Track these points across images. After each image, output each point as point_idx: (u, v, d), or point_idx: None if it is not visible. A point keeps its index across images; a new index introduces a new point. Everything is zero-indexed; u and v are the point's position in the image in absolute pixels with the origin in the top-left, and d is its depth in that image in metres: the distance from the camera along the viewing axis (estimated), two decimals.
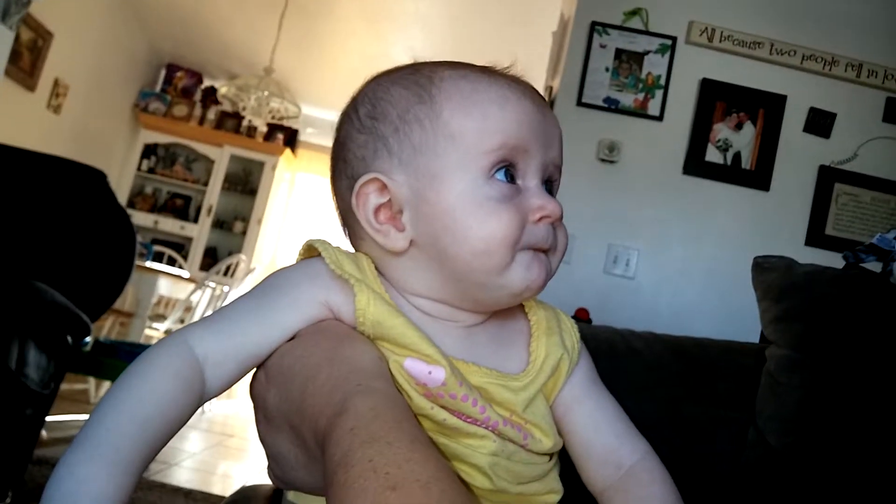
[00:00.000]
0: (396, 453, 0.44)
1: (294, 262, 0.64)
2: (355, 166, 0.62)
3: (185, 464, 3.05)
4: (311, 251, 0.63)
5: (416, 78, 0.61)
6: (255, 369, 0.61)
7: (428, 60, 0.64)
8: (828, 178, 2.67)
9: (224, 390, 0.57)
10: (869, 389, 0.83)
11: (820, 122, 2.70)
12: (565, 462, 0.67)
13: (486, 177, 0.58)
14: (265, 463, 0.64)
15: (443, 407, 0.56)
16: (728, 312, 2.48)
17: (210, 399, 0.57)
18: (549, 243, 0.61)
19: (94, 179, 2.33)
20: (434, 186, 0.58)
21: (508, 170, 0.59)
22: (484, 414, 0.57)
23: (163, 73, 6.40)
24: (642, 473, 0.64)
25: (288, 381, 0.55)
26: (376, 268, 0.62)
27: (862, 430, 0.81)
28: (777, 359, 0.98)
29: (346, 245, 0.66)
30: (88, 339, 2.84)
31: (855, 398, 0.84)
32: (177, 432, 0.53)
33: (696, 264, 2.66)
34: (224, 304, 0.64)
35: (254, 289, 0.61)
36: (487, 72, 0.62)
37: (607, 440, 0.65)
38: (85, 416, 3.21)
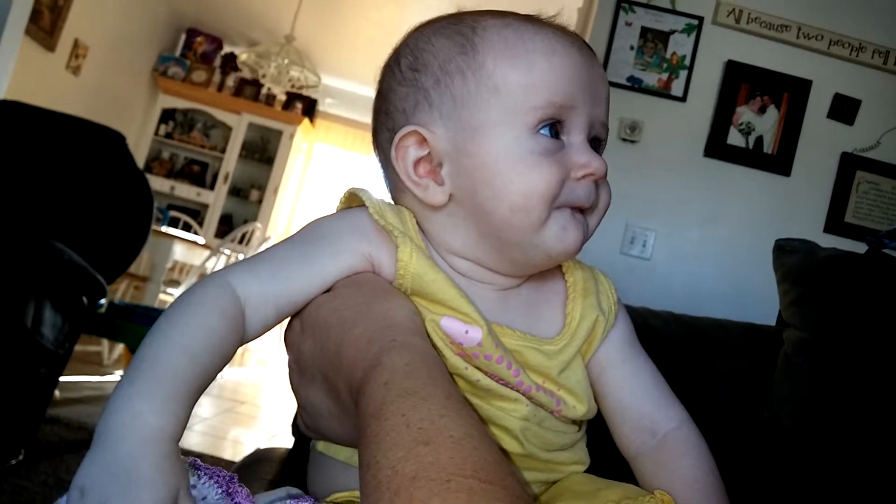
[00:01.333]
0: (430, 408, 0.44)
1: (335, 210, 0.64)
2: (396, 119, 0.61)
3: (196, 428, 3.09)
4: (353, 200, 0.63)
5: (459, 27, 0.60)
6: (290, 318, 0.61)
7: (471, 9, 0.63)
8: (850, 165, 2.64)
9: (261, 334, 0.57)
10: (885, 375, 0.83)
11: (844, 109, 2.66)
12: (595, 429, 0.67)
13: (531, 132, 0.56)
14: (275, 430, 0.64)
15: (477, 368, 0.56)
16: (742, 296, 2.47)
17: (249, 340, 0.57)
18: (590, 202, 0.59)
19: (113, 141, 2.34)
20: (475, 140, 0.57)
21: (554, 126, 0.57)
22: (518, 377, 0.57)
23: (183, 37, 6.39)
24: (677, 443, 0.62)
25: (323, 332, 0.55)
26: (417, 223, 0.62)
27: (876, 414, 0.81)
28: (794, 341, 0.98)
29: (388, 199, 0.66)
30: (103, 301, 2.86)
31: (871, 383, 0.83)
32: (222, 368, 0.53)
33: (713, 247, 2.64)
34: None
35: (295, 235, 0.61)
36: (533, 21, 0.60)
37: (642, 405, 0.64)
38: (98, 378, 3.25)
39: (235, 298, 0.54)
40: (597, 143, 0.61)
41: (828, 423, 0.85)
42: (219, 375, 2.72)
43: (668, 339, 1.08)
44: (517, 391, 0.57)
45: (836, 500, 0.81)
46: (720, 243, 2.64)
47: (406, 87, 0.61)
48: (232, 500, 0.51)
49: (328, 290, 0.59)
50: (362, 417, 0.45)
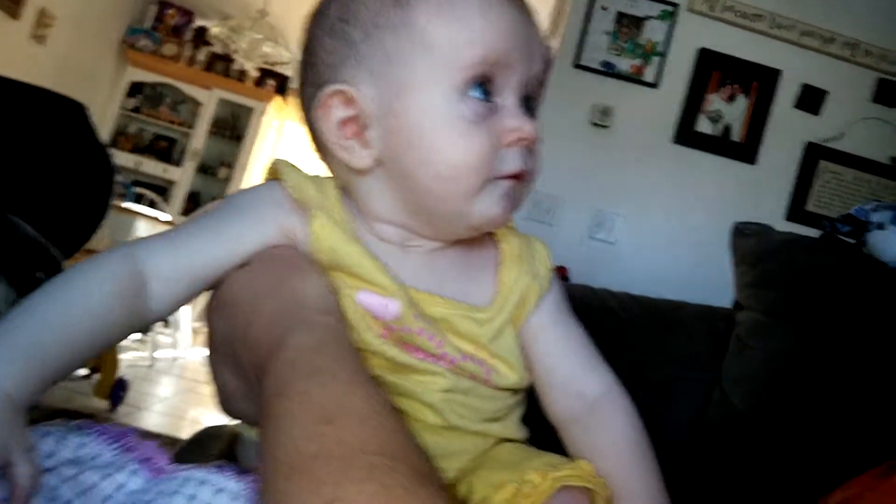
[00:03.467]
0: (336, 387, 0.42)
1: (259, 182, 0.61)
2: (322, 73, 0.57)
3: (155, 408, 3.06)
4: (277, 173, 0.60)
5: None
6: (211, 294, 0.59)
7: None
8: (814, 154, 2.68)
9: (173, 310, 0.55)
10: (836, 356, 0.84)
11: (811, 99, 2.69)
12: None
13: (461, 93, 0.53)
14: None
15: (399, 341, 0.54)
16: (705, 281, 2.48)
17: (155, 318, 0.54)
18: (522, 169, 0.56)
19: (72, 111, 2.27)
20: (402, 99, 0.54)
21: (485, 85, 0.54)
22: (441, 349, 0.55)
23: (153, 9, 6.24)
24: (605, 407, 0.61)
25: (234, 309, 0.53)
26: (342, 192, 0.59)
27: (825, 393, 0.81)
28: (747, 323, 0.98)
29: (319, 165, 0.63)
30: None
31: (821, 364, 0.84)
32: (106, 345, 0.51)
33: (678, 233, 2.66)
34: None
35: (210, 210, 0.59)
36: None
37: (571, 369, 0.62)
38: None
39: (136, 271, 0.52)
40: (531, 102, 0.59)
41: (776, 402, 0.86)
42: (180, 355, 2.69)
43: (625, 320, 1.09)
44: (442, 362, 0.55)
45: (783, 478, 0.81)
46: (686, 229, 2.66)
47: (333, 39, 0.57)
48: (133, 453, 0.50)
49: (243, 266, 0.56)
50: (266, 397, 0.44)
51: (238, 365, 0.53)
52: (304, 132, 0.63)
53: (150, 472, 0.50)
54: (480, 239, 0.64)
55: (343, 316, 0.53)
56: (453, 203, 0.55)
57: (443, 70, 0.53)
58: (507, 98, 0.56)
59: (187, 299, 0.55)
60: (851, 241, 1.00)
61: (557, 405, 0.63)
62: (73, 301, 0.49)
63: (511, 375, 0.59)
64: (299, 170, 0.59)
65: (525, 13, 0.57)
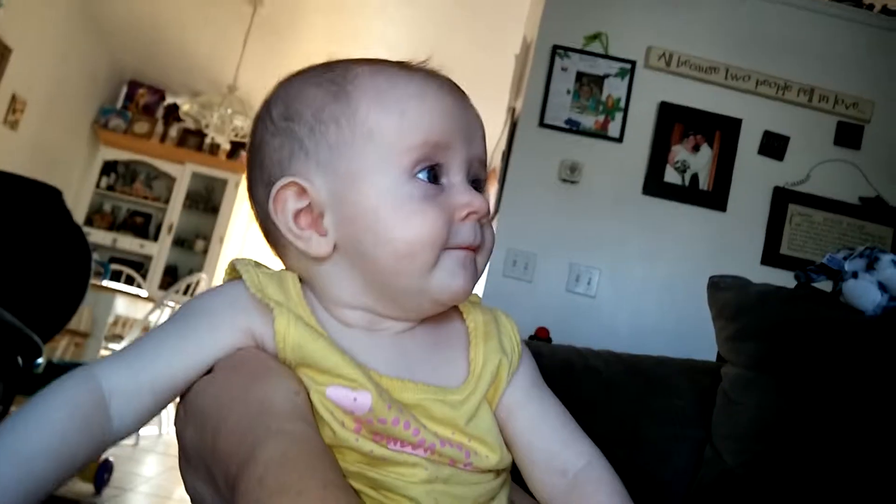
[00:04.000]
0: (307, 503, 0.42)
1: (220, 283, 0.61)
2: (272, 171, 0.59)
3: (141, 489, 2.98)
4: (235, 272, 0.60)
5: (330, 76, 0.59)
6: (178, 403, 0.58)
7: (341, 59, 0.62)
8: (782, 198, 2.74)
9: (139, 426, 0.54)
10: (821, 407, 0.85)
11: (774, 145, 2.77)
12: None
13: (408, 176, 0.56)
14: None
15: (374, 433, 0.53)
16: (686, 330, 2.51)
17: (120, 437, 0.53)
18: (477, 242, 0.58)
19: (48, 197, 2.28)
20: (354, 186, 0.56)
21: (432, 169, 0.57)
22: (418, 436, 0.54)
23: (124, 89, 6.31)
24: (588, 482, 0.60)
25: (202, 420, 0.52)
26: (302, 282, 0.59)
27: (816, 447, 0.82)
28: (731, 377, 0.99)
29: (274, 260, 0.64)
30: (40, 360, 2.76)
31: (808, 417, 0.85)
32: (72, 470, 0.49)
33: (656, 283, 2.69)
34: None
35: (172, 316, 0.58)
36: (404, 66, 0.60)
37: (550, 445, 0.62)
38: None
39: (96, 391, 0.51)
40: (477, 184, 0.61)
41: (767, 458, 0.86)
42: (164, 431, 2.62)
43: (609, 380, 1.09)
44: (421, 449, 0.55)
45: None
46: (662, 279, 2.69)
47: (280, 137, 0.59)
48: None
49: (210, 372, 0.56)
50: None
51: (210, 476, 0.52)
52: (258, 232, 0.64)
53: None
54: (447, 317, 0.64)
55: (314, 415, 0.52)
56: (413, 279, 0.56)
57: (387, 156, 0.56)
58: (454, 177, 0.58)
59: (153, 413, 0.54)
60: (828, 289, 1.02)
61: (541, 483, 0.62)
62: (33, 431, 0.47)
63: (492, 456, 0.58)
64: (259, 267, 0.59)
65: (461, 97, 0.60)
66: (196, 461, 0.54)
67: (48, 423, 0.48)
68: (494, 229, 0.64)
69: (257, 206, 0.63)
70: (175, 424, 0.58)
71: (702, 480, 0.96)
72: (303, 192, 0.57)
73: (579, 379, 1.08)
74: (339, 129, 0.57)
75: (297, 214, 0.57)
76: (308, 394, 0.53)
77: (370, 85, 0.58)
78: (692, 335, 2.07)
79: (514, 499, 0.63)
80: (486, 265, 0.61)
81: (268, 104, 0.62)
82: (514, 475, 0.65)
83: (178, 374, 0.54)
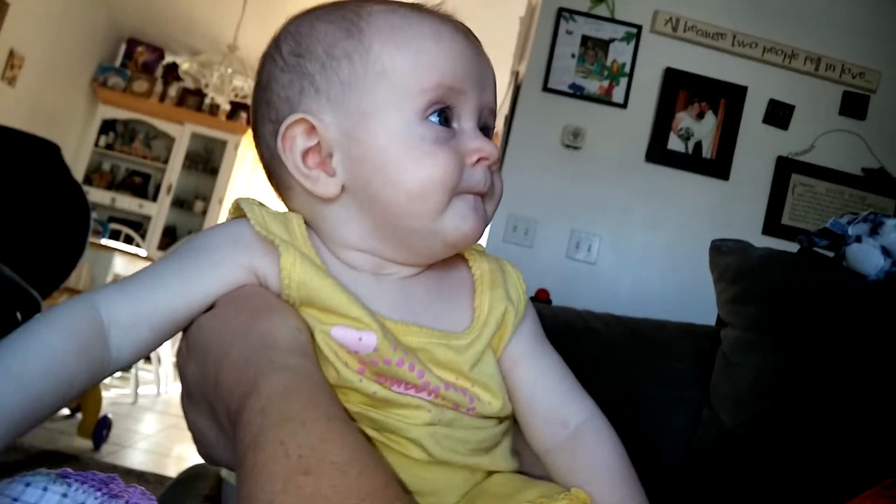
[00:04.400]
0: (310, 434, 0.41)
1: (223, 221, 0.61)
2: (280, 108, 0.58)
3: (139, 445, 3.01)
4: (238, 212, 0.59)
5: (343, 13, 0.58)
6: (180, 339, 0.58)
7: None
8: (785, 168, 2.73)
9: (137, 357, 0.54)
10: (821, 370, 0.85)
11: (779, 114, 2.75)
12: None
13: (421, 117, 0.55)
14: None
15: (378, 374, 0.53)
16: (686, 298, 2.52)
17: (118, 366, 0.53)
18: (487, 186, 0.58)
19: (47, 152, 2.26)
20: (365, 125, 0.55)
21: (443, 112, 0.56)
22: (423, 378, 0.54)
23: (123, 47, 6.24)
24: (588, 434, 0.61)
25: (204, 355, 0.52)
26: (307, 225, 0.59)
27: (814, 409, 0.82)
28: (731, 340, 1.00)
29: (278, 203, 0.63)
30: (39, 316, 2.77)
31: (807, 379, 0.85)
32: (69, 396, 0.49)
33: (656, 251, 2.69)
34: None
35: (175, 251, 0.57)
36: (419, 7, 0.59)
37: (552, 397, 0.62)
38: None
39: (95, 318, 0.51)
40: (486, 132, 0.60)
41: (766, 420, 0.87)
42: (163, 391, 2.64)
43: (609, 341, 1.09)
44: (425, 392, 0.55)
45: (779, 497, 0.82)
46: (663, 247, 2.69)
47: (289, 73, 0.58)
48: (119, 500, 0.49)
49: (211, 308, 0.55)
50: (239, 448, 0.43)
51: (212, 411, 0.52)
52: (261, 172, 0.64)
53: None
54: (453, 264, 0.64)
55: (317, 354, 0.52)
56: (424, 220, 0.56)
57: (401, 95, 0.55)
58: (465, 123, 0.58)
59: (151, 346, 0.54)
60: (830, 254, 1.02)
61: (540, 433, 0.62)
62: (32, 354, 0.47)
63: (494, 402, 0.58)
64: (263, 206, 0.59)
65: (475, 43, 0.59)
66: (198, 397, 0.54)
67: (48, 348, 0.48)
68: None
69: (263, 146, 0.62)
70: (177, 360, 0.58)
71: (699, 441, 0.96)
72: (312, 129, 0.56)
73: (580, 340, 1.08)
74: (352, 65, 0.56)
75: (305, 153, 0.57)
76: (311, 333, 0.53)
77: (385, 22, 0.56)
78: (693, 303, 2.07)
79: (520, 449, 0.63)
80: (494, 213, 0.61)
81: (277, 41, 0.61)
82: None
83: (177, 308, 0.54)
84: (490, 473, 0.59)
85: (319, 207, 0.58)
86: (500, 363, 0.62)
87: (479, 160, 0.57)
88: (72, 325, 0.50)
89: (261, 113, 0.61)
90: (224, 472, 0.60)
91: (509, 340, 0.62)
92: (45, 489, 0.47)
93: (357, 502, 0.37)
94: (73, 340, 0.49)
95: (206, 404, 0.53)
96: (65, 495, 0.47)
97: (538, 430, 0.62)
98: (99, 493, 0.49)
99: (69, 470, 0.50)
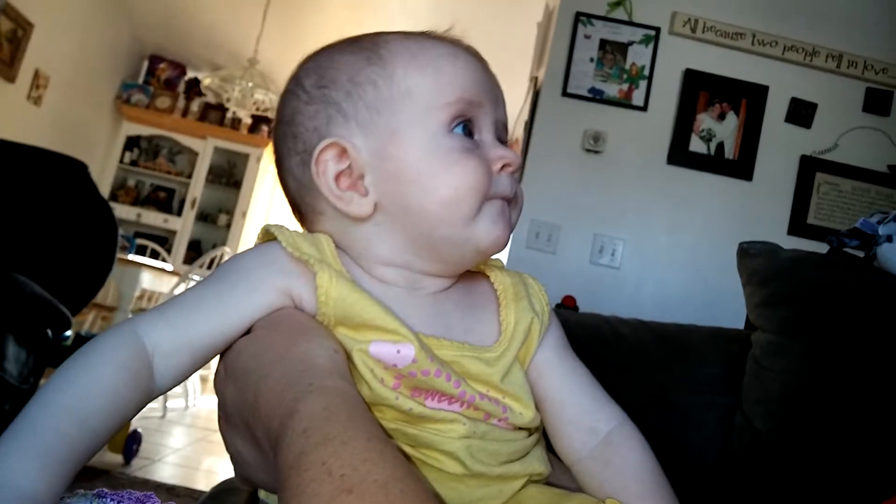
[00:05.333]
0: (352, 453, 0.42)
1: (254, 245, 0.62)
2: (308, 139, 0.61)
3: (169, 459, 3.03)
4: (267, 236, 0.61)
5: (360, 44, 0.62)
6: (218, 362, 0.59)
7: (364, 33, 0.64)
8: (809, 167, 2.70)
9: (177, 383, 0.55)
10: (853, 373, 0.84)
11: (801, 113, 2.72)
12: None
13: (446, 130, 0.58)
14: None
15: (413, 388, 0.54)
16: (711, 301, 2.50)
17: (160, 393, 0.54)
18: (513, 193, 0.61)
19: (75, 170, 2.30)
20: (395, 142, 0.58)
21: (466, 125, 0.59)
22: (459, 388, 0.55)
23: (145, 64, 6.33)
24: (619, 441, 0.62)
25: (243, 379, 0.53)
26: (336, 246, 0.60)
27: (846, 413, 0.81)
28: (762, 344, 0.99)
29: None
30: (69, 332, 2.80)
31: (839, 382, 0.84)
32: (119, 426, 0.50)
33: (680, 254, 2.67)
34: None
35: (209, 276, 0.59)
36: (429, 35, 0.63)
37: (583, 404, 0.63)
38: None
39: (141, 348, 0.52)
40: (501, 144, 0.63)
41: (798, 423, 0.86)
42: (192, 403, 2.66)
43: (637, 347, 1.09)
44: (461, 403, 0.56)
45: (810, 501, 0.81)
46: (687, 250, 2.67)
47: (315, 104, 0.61)
48: None
49: (248, 332, 0.57)
50: (281, 469, 0.43)
51: (251, 434, 0.53)
52: (287, 204, 0.66)
53: None
54: (476, 280, 0.66)
55: (353, 373, 0.53)
56: (458, 227, 0.58)
57: (426, 112, 0.58)
58: (485, 135, 0.61)
59: (190, 372, 0.55)
60: (860, 254, 1.00)
61: (571, 441, 0.63)
62: (87, 389, 0.48)
63: (526, 413, 0.59)
64: (292, 230, 0.60)
65: (484, 63, 0.63)
66: (236, 420, 0.55)
67: (101, 382, 0.49)
68: None
69: (290, 178, 0.64)
70: (215, 384, 0.59)
71: (732, 447, 0.95)
72: (343, 153, 0.59)
73: (608, 346, 1.08)
74: (377, 90, 0.59)
75: (337, 177, 0.59)
76: (347, 354, 0.54)
77: (403, 48, 0.60)
78: (718, 306, 2.05)
79: (557, 474, 0.64)
80: (517, 220, 0.64)
81: (297, 77, 0.64)
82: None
83: (216, 334, 0.55)
84: (525, 485, 0.59)
85: (351, 228, 0.60)
86: (528, 373, 0.63)
87: (503, 167, 0.60)
88: (122, 357, 0.51)
89: (287, 147, 0.63)
90: (262, 494, 0.61)
91: (536, 351, 0.64)
92: None
93: None
94: (124, 372, 0.50)
95: (244, 427, 0.54)
96: None
97: (568, 438, 0.63)
98: None
99: (105, 490, 0.50)
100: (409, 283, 0.61)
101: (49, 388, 0.48)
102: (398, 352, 0.53)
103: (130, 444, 2.77)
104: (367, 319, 0.54)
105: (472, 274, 0.67)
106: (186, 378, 0.56)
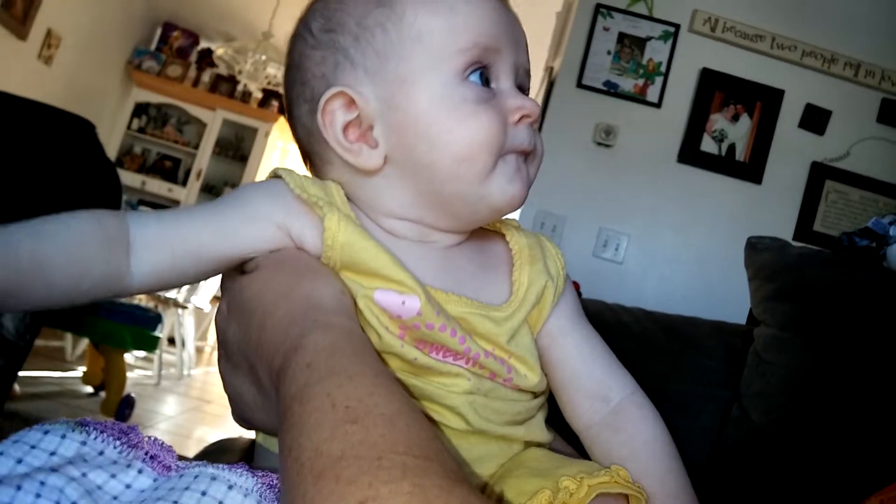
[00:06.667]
0: (357, 387, 0.41)
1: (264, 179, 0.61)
2: (315, 86, 0.58)
3: (161, 426, 3.04)
4: (278, 175, 0.59)
5: None
6: (219, 301, 0.58)
7: None
8: (819, 174, 2.68)
9: (150, 282, 0.53)
10: (855, 370, 0.83)
11: (815, 119, 2.70)
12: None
13: (460, 78, 0.55)
14: (242, 430, 0.62)
15: (418, 340, 0.53)
16: (714, 301, 2.49)
17: (132, 287, 0.52)
18: (532, 145, 0.58)
19: (82, 129, 2.29)
20: (404, 91, 0.55)
21: (482, 72, 0.56)
22: (464, 345, 0.54)
23: (159, 31, 6.30)
24: (633, 408, 0.61)
25: (246, 316, 0.52)
26: (345, 195, 0.59)
27: (845, 408, 0.81)
28: (765, 338, 0.98)
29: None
30: None
31: (841, 378, 0.84)
32: (79, 287, 0.49)
33: (685, 252, 2.66)
34: None
35: (217, 199, 0.58)
36: None
37: (595, 372, 0.62)
38: (59, 374, 3.17)
39: (123, 227, 0.51)
40: (523, 92, 0.60)
41: (797, 417, 0.85)
42: (185, 372, 2.67)
43: (639, 335, 1.08)
44: (465, 360, 0.55)
45: (809, 494, 0.81)
46: (692, 248, 2.66)
47: (322, 49, 0.58)
48: (138, 450, 0.49)
49: (252, 271, 0.55)
50: (283, 401, 0.42)
51: (252, 372, 0.52)
52: (290, 160, 0.64)
53: (157, 469, 0.48)
54: (491, 238, 0.64)
55: (359, 318, 0.52)
56: (471, 184, 0.55)
57: (438, 58, 0.55)
58: (503, 83, 0.57)
59: (167, 276, 0.54)
60: (870, 254, 1.00)
61: (582, 408, 0.62)
62: (55, 222, 0.48)
63: (531, 376, 0.58)
64: (300, 174, 0.59)
65: (504, 2, 0.59)
66: (238, 358, 0.54)
67: (74, 222, 0.49)
68: None
69: (299, 127, 0.62)
70: (216, 322, 0.59)
71: (727, 439, 0.95)
72: (351, 102, 0.56)
73: (610, 333, 1.05)
74: (386, 34, 0.55)
75: (345, 127, 0.56)
76: (353, 297, 0.53)
77: None
78: (720, 306, 2.04)
79: (555, 446, 0.63)
80: (536, 174, 0.61)
81: (305, 19, 0.61)
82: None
83: (203, 245, 0.54)
84: (526, 446, 0.59)
85: (360, 179, 0.58)
86: (539, 339, 0.62)
87: (521, 118, 0.57)
88: (102, 219, 0.50)
89: (295, 93, 0.61)
90: (260, 437, 0.60)
91: (549, 316, 0.62)
92: (63, 437, 0.47)
93: (405, 450, 0.37)
94: (101, 230, 0.50)
95: (246, 365, 0.53)
96: (83, 443, 0.47)
97: (579, 405, 0.62)
98: (118, 443, 0.49)
99: (88, 419, 0.50)
100: (420, 236, 0.59)
101: (19, 224, 0.47)
102: (403, 303, 0.52)
103: (123, 408, 2.77)
104: (375, 268, 0.53)
105: (486, 232, 0.65)
106: (161, 282, 0.54)
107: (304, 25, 0.60)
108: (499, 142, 0.55)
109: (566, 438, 0.67)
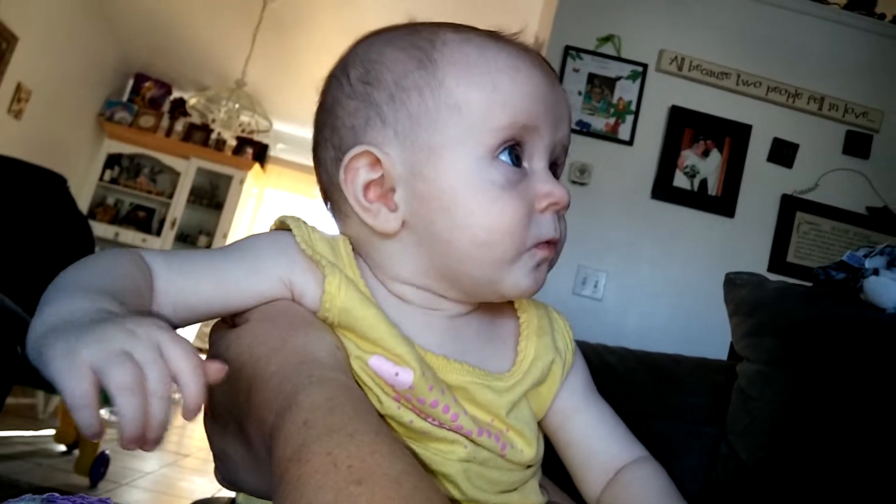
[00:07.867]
0: (359, 446, 0.39)
1: (270, 230, 0.60)
2: (344, 136, 0.56)
3: (139, 483, 2.96)
4: (285, 227, 0.58)
5: (415, 40, 0.55)
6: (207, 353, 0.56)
7: (426, 21, 0.58)
8: (790, 206, 2.73)
9: None
10: (840, 404, 0.83)
11: (783, 152, 2.76)
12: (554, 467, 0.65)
13: (491, 156, 0.53)
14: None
15: (413, 408, 0.52)
16: (693, 335, 2.50)
17: None
18: (557, 235, 0.56)
19: (53, 184, 2.28)
20: (432, 162, 0.53)
21: (514, 149, 0.54)
22: (456, 422, 0.52)
23: (131, 82, 6.30)
24: (643, 465, 0.62)
25: (235, 373, 0.49)
26: (354, 250, 0.57)
27: (834, 444, 0.81)
28: (749, 374, 0.98)
29: (328, 224, 0.62)
30: None
31: (826, 413, 0.84)
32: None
33: (663, 287, 2.68)
34: None
35: (221, 247, 0.56)
36: (494, 37, 0.56)
37: (610, 448, 0.62)
38: (31, 433, 3.08)
39: (147, 266, 0.51)
40: (555, 168, 0.59)
41: (784, 454, 0.85)
42: None
43: (623, 375, 1.08)
44: (456, 433, 0.53)
45: None
46: (669, 283, 2.68)
47: (356, 100, 0.56)
48: None
49: (241, 324, 0.53)
50: (278, 462, 0.40)
51: (242, 432, 0.50)
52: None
53: None
54: (501, 309, 0.63)
55: (356, 379, 0.51)
56: (488, 269, 0.53)
57: (472, 133, 0.52)
58: (537, 163, 0.55)
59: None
60: (847, 288, 1.01)
61: (596, 483, 0.62)
62: (110, 266, 0.49)
63: (527, 450, 0.57)
64: (308, 225, 0.57)
65: (551, 77, 0.57)
66: (225, 417, 0.52)
67: (119, 264, 0.49)
68: None
69: (322, 170, 0.60)
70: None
71: (716, 477, 0.94)
72: (376, 162, 0.54)
73: (595, 373, 1.06)
74: (423, 98, 0.53)
75: (367, 185, 0.55)
76: (347, 354, 0.52)
77: (459, 54, 0.54)
78: (700, 340, 2.05)
79: (543, 483, 0.63)
80: (557, 259, 0.59)
81: (345, 63, 0.58)
82: (558, 473, 0.64)
83: (203, 297, 0.52)
84: None
85: (374, 239, 0.56)
86: (551, 416, 0.62)
87: (548, 206, 0.55)
88: (138, 261, 0.51)
89: (324, 136, 0.59)
90: (241, 497, 0.58)
91: (558, 391, 0.62)
92: None
93: None
94: (139, 270, 0.50)
95: (234, 424, 0.51)
96: None
97: (594, 481, 0.62)
98: None
99: (56, 494, 0.48)
100: (427, 303, 0.57)
101: (69, 273, 0.47)
102: (396, 374, 0.51)
103: (97, 466, 2.69)
104: (373, 338, 0.52)
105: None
106: None
107: (342, 69, 0.58)
108: (521, 231, 0.53)
109: (558, 482, 0.66)
